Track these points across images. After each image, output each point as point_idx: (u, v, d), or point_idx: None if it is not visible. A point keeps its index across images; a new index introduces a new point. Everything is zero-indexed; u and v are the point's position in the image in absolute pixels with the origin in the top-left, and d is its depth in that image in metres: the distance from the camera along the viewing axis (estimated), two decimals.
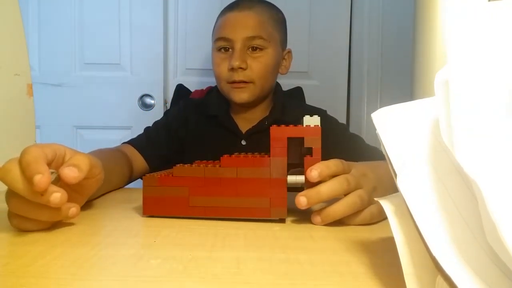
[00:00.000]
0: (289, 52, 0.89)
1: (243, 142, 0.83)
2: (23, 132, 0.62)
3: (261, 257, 0.28)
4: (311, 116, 0.39)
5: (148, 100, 1.39)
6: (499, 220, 0.14)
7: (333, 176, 0.38)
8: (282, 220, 0.39)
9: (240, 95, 0.80)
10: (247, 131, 0.83)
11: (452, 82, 0.19)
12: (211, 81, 1.31)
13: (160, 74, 1.38)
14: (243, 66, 0.77)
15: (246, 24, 0.79)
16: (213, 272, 0.24)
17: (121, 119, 1.39)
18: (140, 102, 1.39)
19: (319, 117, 0.39)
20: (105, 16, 1.36)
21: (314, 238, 0.33)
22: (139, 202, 0.47)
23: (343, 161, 0.39)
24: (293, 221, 0.39)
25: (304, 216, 0.40)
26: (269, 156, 0.38)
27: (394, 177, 0.22)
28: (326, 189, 0.36)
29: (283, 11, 1.39)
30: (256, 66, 0.78)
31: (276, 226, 0.37)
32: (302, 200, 0.35)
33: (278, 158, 0.37)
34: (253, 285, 0.23)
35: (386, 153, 0.23)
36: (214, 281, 0.23)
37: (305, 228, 0.37)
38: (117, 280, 0.23)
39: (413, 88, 0.42)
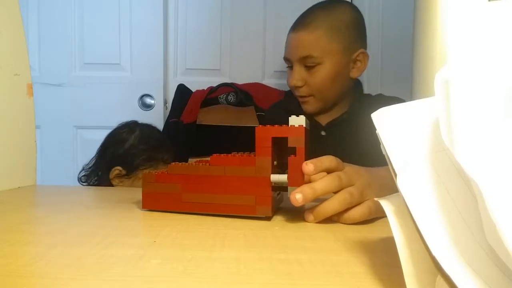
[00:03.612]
0: (363, 53, 0.88)
1: (323, 133, 0.90)
2: (23, 132, 0.62)
3: (261, 257, 0.28)
4: (297, 116, 0.39)
5: (148, 100, 1.39)
6: (499, 220, 0.14)
7: (326, 171, 0.39)
8: (268, 218, 0.39)
9: (306, 107, 0.90)
10: (327, 123, 0.90)
11: (452, 82, 0.19)
12: (211, 81, 1.31)
13: (160, 74, 1.38)
14: (299, 84, 0.86)
15: (298, 45, 0.85)
16: (213, 272, 0.24)
17: (121, 119, 1.39)
18: (140, 102, 1.39)
19: (304, 117, 0.39)
20: (105, 16, 1.36)
21: (314, 238, 0.33)
22: (139, 202, 0.47)
23: (337, 158, 0.41)
24: (293, 221, 0.39)
25: (304, 216, 0.41)
26: (255, 155, 0.39)
27: (394, 177, 0.22)
28: (319, 186, 0.37)
29: (282, 11, 1.39)
30: (313, 81, 0.86)
31: (276, 226, 0.37)
32: (298, 196, 0.36)
33: (263, 157, 0.38)
34: (253, 285, 0.23)
35: (386, 153, 0.23)
36: (214, 281, 0.23)
37: (305, 228, 0.37)
38: (117, 280, 0.23)
39: (413, 88, 0.42)
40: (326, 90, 0.86)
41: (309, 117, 0.91)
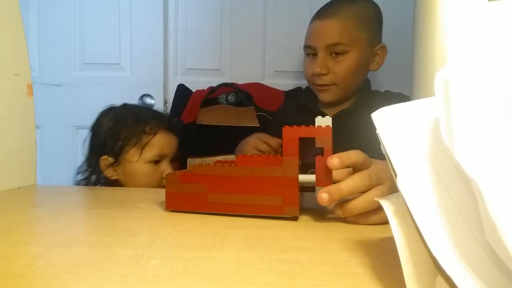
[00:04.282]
0: (382, 47, 0.90)
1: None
2: (23, 132, 0.62)
3: (261, 257, 0.28)
4: (323, 116, 0.39)
5: (148, 100, 1.39)
6: (499, 220, 0.14)
7: (353, 166, 0.39)
8: (294, 218, 0.39)
9: (324, 96, 0.90)
10: (334, 115, 0.90)
11: (452, 82, 0.19)
12: (211, 81, 1.31)
13: (160, 74, 1.38)
14: (324, 72, 0.87)
15: (327, 32, 0.86)
16: (213, 272, 0.24)
17: None
18: (140, 102, 1.39)
19: (331, 118, 0.39)
20: (105, 16, 1.36)
21: (314, 238, 0.33)
22: (139, 202, 0.47)
23: (363, 153, 0.40)
24: (294, 221, 0.39)
25: (305, 216, 0.41)
26: (282, 156, 0.38)
27: (394, 177, 0.22)
28: (347, 186, 0.37)
29: (282, 11, 1.38)
30: (338, 69, 0.86)
31: (276, 226, 0.37)
32: (324, 196, 0.36)
33: (290, 157, 0.38)
34: (253, 285, 0.23)
35: (386, 153, 0.23)
36: (214, 281, 0.23)
37: (305, 228, 0.37)
38: (117, 280, 0.23)
39: (413, 88, 0.42)
40: (349, 80, 0.87)
41: (316, 109, 0.92)
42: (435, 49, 0.37)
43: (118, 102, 1.37)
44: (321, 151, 0.37)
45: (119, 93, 1.37)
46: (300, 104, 0.98)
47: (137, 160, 0.83)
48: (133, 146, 0.83)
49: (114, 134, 0.86)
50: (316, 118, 0.39)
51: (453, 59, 0.20)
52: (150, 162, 0.83)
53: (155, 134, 0.84)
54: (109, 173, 0.85)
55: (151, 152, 0.83)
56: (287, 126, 0.39)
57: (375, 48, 0.89)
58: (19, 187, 0.59)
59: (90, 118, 1.39)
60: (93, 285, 0.22)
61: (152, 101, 1.39)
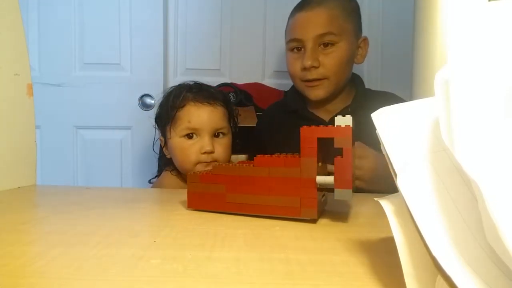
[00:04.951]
0: (365, 39, 0.88)
1: None
2: (23, 132, 0.62)
3: (261, 257, 0.28)
4: (343, 116, 0.38)
5: (148, 100, 1.39)
6: (499, 220, 0.14)
7: None
8: (313, 221, 0.39)
9: (315, 93, 0.84)
10: (330, 119, 0.85)
11: (452, 82, 0.19)
12: (210, 81, 1.31)
13: (160, 74, 1.38)
14: (315, 64, 0.81)
15: (316, 22, 0.80)
16: (213, 272, 0.24)
17: (121, 119, 1.39)
18: (140, 102, 1.39)
19: (351, 117, 0.38)
20: (105, 16, 1.36)
21: (314, 238, 0.33)
22: (139, 202, 0.47)
23: None
24: (293, 221, 0.39)
25: None
26: (300, 156, 0.38)
27: (394, 177, 0.22)
28: None
29: (282, 11, 1.39)
30: (329, 62, 0.81)
31: (276, 226, 0.37)
32: None
33: (308, 158, 0.38)
34: (253, 285, 0.23)
35: (386, 153, 0.23)
36: (214, 281, 0.23)
37: (305, 228, 0.37)
38: (117, 280, 0.23)
39: (413, 88, 0.42)
40: (339, 72, 0.83)
41: (309, 114, 0.89)
42: (435, 49, 0.38)
43: (118, 102, 1.38)
44: (340, 152, 0.36)
45: (119, 93, 1.38)
46: (290, 109, 0.93)
47: (171, 137, 0.82)
48: (168, 124, 0.83)
49: (158, 116, 0.89)
50: (335, 118, 0.38)
51: (453, 59, 0.20)
52: (183, 137, 0.81)
53: (180, 107, 0.81)
54: (166, 152, 0.88)
55: (180, 126, 0.81)
56: (305, 126, 0.38)
57: (359, 40, 0.87)
58: (19, 187, 0.59)
59: (90, 118, 1.39)
60: (93, 285, 0.22)
61: (152, 101, 1.39)
